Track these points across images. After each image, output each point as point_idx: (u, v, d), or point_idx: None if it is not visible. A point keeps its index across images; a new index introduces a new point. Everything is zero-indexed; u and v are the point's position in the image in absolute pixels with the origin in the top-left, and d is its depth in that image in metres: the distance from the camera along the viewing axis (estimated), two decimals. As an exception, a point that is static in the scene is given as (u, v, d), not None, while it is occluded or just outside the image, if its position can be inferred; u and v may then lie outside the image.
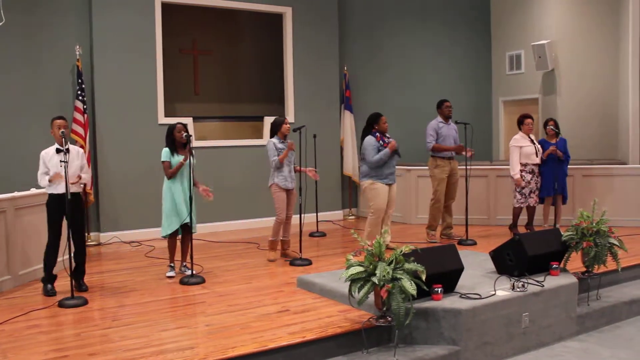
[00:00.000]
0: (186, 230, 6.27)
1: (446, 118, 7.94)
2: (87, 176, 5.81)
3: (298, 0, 9.78)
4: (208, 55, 9.83)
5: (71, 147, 5.66)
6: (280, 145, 6.83)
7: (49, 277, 5.68)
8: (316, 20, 9.95)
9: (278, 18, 9.84)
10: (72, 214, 5.44)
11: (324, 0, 10.03)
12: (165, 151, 6.21)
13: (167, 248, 6.47)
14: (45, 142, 5.79)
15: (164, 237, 6.27)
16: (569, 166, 8.40)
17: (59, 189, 5.50)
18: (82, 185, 5.74)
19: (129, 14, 8.50)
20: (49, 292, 5.59)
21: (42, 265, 5.70)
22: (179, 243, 6.40)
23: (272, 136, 6.94)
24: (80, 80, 8.08)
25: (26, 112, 7.96)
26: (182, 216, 6.13)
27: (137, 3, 8.56)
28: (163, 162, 6.18)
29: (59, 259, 5.80)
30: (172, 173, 6.14)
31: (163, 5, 8.80)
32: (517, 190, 7.84)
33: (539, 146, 7.92)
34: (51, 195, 5.60)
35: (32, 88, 8.03)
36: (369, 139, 7.03)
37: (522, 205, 7.89)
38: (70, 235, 5.45)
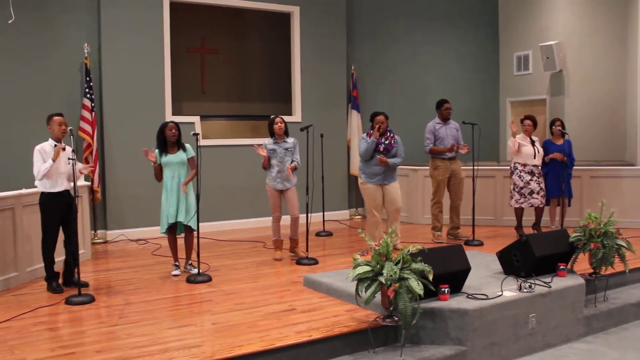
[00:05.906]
0: (187, 229, 6.28)
1: (445, 119, 7.93)
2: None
3: (306, 0, 9.78)
4: (216, 54, 9.84)
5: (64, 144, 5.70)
6: (270, 147, 6.80)
7: (53, 275, 5.70)
8: (324, 19, 9.94)
9: (286, 17, 9.83)
10: (71, 210, 5.54)
11: (332, 0, 10.03)
12: (156, 153, 6.22)
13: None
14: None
15: (162, 233, 6.33)
16: (576, 167, 8.37)
17: (57, 187, 5.56)
18: (71, 183, 5.61)
19: (138, 12, 8.51)
20: (56, 290, 5.61)
21: (49, 263, 5.73)
22: (180, 241, 6.41)
23: (271, 136, 6.92)
24: (88, 78, 8.10)
25: (34, 109, 7.96)
26: (173, 215, 6.12)
27: (145, 1, 8.57)
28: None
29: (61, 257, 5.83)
30: (158, 178, 6.26)
31: (171, 4, 8.81)
32: (516, 190, 7.85)
33: (539, 148, 7.91)
34: (48, 194, 5.58)
35: (40, 85, 8.05)
36: (361, 136, 7.27)
37: (522, 206, 7.89)
38: (70, 232, 5.56)
